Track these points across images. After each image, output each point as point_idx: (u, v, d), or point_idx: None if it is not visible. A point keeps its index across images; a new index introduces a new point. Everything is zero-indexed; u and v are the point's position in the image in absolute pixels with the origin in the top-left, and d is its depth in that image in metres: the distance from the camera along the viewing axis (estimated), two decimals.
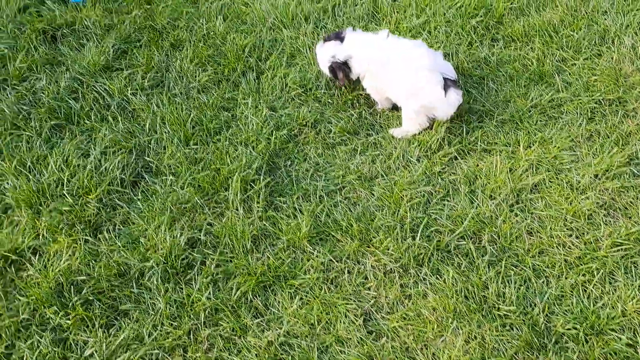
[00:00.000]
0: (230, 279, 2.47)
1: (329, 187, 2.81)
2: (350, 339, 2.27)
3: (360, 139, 3.03)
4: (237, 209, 2.69)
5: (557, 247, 2.49)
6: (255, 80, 3.34)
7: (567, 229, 2.54)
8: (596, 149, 2.83)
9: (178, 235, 2.58)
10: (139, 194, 2.82)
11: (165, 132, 3.05)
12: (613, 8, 3.61)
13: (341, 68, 3.04)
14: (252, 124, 3.06)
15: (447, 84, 2.85)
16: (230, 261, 2.53)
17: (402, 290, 2.42)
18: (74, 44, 3.65)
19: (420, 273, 2.46)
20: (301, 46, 3.53)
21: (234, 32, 3.65)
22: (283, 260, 2.52)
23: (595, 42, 3.41)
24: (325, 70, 3.13)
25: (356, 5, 3.85)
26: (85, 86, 3.33)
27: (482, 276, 2.40)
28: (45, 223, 2.65)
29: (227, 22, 3.73)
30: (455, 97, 2.85)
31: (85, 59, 3.47)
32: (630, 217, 2.56)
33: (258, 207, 2.70)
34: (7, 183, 2.83)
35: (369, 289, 2.44)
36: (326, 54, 3.06)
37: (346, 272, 2.49)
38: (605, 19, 3.52)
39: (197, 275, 2.49)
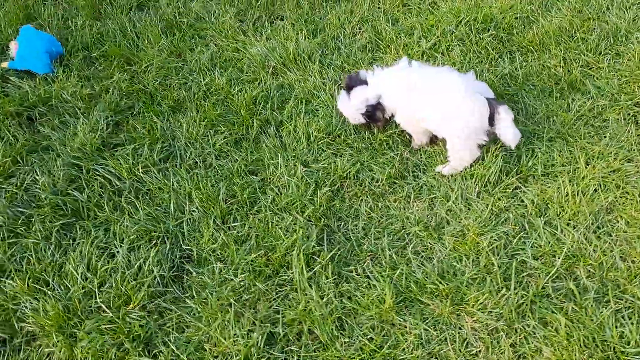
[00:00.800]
0: None
1: (395, 244, 2.54)
2: None
3: (410, 182, 2.78)
4: (305, 290, 2.36)
5: None
6: (276, 135, 3.02)
7: None
8: None
9: (250, 334, 2.23)
10: (186, 290, 2.44)
11: (195, 212, 2.68)
12: (614, 5, 3.55)
13: (378, 109, 2.82)
14: (290, 186, 2.74)
15: (491, 103, 2.64)
16: (317, 352, 2.21)
17: (515, 350, 2.18)
18: (56, 123, 3.20)
19: (528, 327, 2.22)
20: (313, 88, 3.24)
21: (236, 83, 3.32)
22: (375, 339, 2.22)
23: (610, 42, 3.33)
24: (358, 119, 2.89)
25: (355, 35, 3.61)
26: (85, 172, 2.90)
27: (595, 318, 2.20)
28: (86, 349, 2.23)
29: (225, 74, 3.38)
30: (507, 115, 2.64)
31: (75, 139, 3.03)
32: None
33: (328, 282, 2.38)
34: (25, 307, 2.38)
35: (477, 355, 2.18)
36: (356, 101, 2.83)
37: (447, 341, 2.22)
38: (610, 17, 3.45)
39: None
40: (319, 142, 2.97)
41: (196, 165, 2.91)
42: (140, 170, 2.87)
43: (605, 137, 2.83)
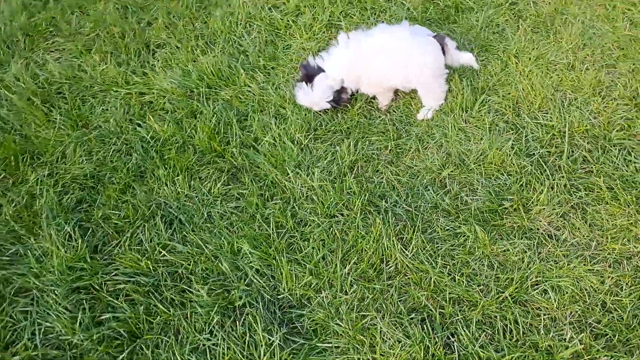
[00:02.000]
0: None
1: (439, 192, 2.65)
2: None
3: (409, 138, 2.89)
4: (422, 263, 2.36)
5: None
6: (262, 153, 2.82)
7: None
8: None
9: None
10: None
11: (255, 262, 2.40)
12: None
13: (342, 92, 2.89)
14: (326, 191, 2.62)
15: (437, 39, 2.85)
16: None
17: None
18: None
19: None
20: (257, 95, 3.07)
21: (179, 123, 2.94)
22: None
23: None
24: (323, 106, 2.89)
25: (250, 34, 3.47)
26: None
27: None
28: None
29: (157, 119, 2.96)
30: (452, 43, 2.90)
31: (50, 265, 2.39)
32: None
33: (435, 250, 2.41)
34: None
35: None
36: (321, 90, 2.82)
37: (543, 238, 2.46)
38: None
39: None
40: (308, 141, 2.86)
41: (210, 221, 2.56)
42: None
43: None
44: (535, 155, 2.74)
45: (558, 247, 2.41)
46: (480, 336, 2.13)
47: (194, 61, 3.27)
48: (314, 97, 2.84)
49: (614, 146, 2.73)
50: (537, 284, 2.29)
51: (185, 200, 2.59)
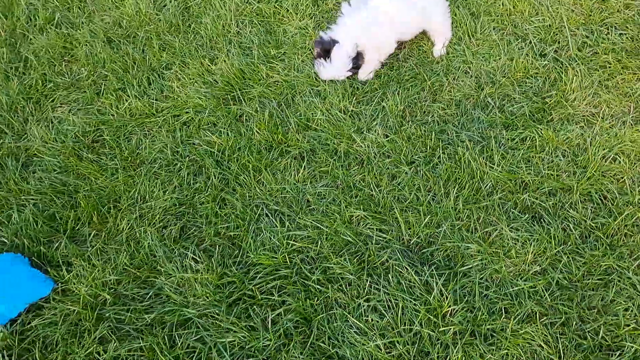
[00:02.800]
0: None
1: (492, 117, 2.95)
2: None
3: (436, 75, 3.14)
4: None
5: None
6: (317, 138, 2.98)
7: None
8: None
9: None
10: None
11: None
12: None
13: (359, 58, 2.98)
14: (394, 140, 2.84)
15: None
16: None
17: None
18: None
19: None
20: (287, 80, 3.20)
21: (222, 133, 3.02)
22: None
23: None
24: (346, 74, 3.03)
25: (247, 27, 3.54)
26: None
27: None
28: None
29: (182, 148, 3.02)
30: None
31: (195, 291, 2.46)
32: None
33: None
34: None
35: None
36: (340, 61, 2.93)
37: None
38: None
39: None
40: (354, 107, 3.04)
41: (311, 204, 2.71)
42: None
43: None
44: (548, 54, 3.09)
45: (603, 121, 2.78)
46: (587, 211, 2.48)
47: (208, 71, 3.31)
48: (335, 69, 2.97)
49: (605, 27, 3.13)
50: (605, 155, 2.65)
51: (279, 194, 2.71)
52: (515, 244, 2.43)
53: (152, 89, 3.28)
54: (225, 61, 3.31)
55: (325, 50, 2.94)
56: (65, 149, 3.02)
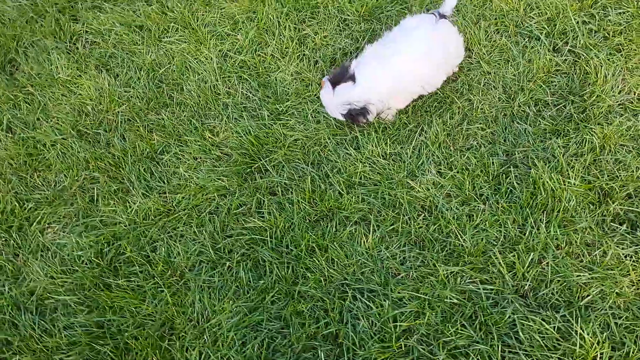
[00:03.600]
0: None
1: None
2: None
3: (463, 92, 2.95)
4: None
5: None
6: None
7: None
8: None
9: None
10: None
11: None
12: None
13: (362, 113, 2.67)
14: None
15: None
16: None
17: None
18: None
19: None
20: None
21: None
22: None
23: None
24: (336, 115, 2.75)
25: (237, 35, 3.15)
26: None
27: None
28: None
29: None
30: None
31: None
32: None
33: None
34: None
35: None
36: (339, 100, 2.64)
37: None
38: None
39: None
40: (393, 149, 2.77)
41: (392, 273, 2.41)
42: None
43: None
44: (562, 49, 2.98)
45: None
46: None
47: (213, 144, 2.89)
48: (331, 102, 2.68)
49: (602, 9, 3.08)
50: None
51: (357, 269, 2.39)
52: (625, 258, 2.27)
53: (157, 181, 2.81)
54: (229, 129, 2.91)
55: (335, 81, 2.64)
56: (83, 280, 2.49)
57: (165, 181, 2.79)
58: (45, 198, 2.84)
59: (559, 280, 2.26)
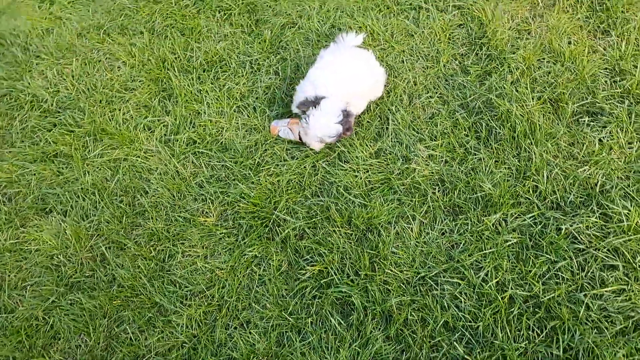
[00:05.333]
0: None
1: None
2: None
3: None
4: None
5: None
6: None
7: None
8: None
9: None
10: None
11: None
12: None
13: (350, 116, 2.73)
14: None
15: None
16: None
17: None
18: None
19: None
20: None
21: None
22: None
23: None
24: (330, 135, 2.69)
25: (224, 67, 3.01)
26: None
27: None
28: None
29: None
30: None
31: None
32: None
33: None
34: None
35: None
36: (328, 116, 2.66)
37: None
38: None
39: None
40: (377, 151, 2.90)
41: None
42: None
43: None
44: (447, 8, 3.36)
45: None
46: None
47: (215, 225, 2.75)
48: (326, 117, 2.64)
49: None
50: None
51: (420, 261, 2.49)
52: (604, 140, 2.68)
53: (184, 287, 2.59)
54: (219, 204, 2.79)
55: (309, 106, 2.68)
56: None
57: (193, 282, 2.59)
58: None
59: (571, 183, 2.58)
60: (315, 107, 2.66)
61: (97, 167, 3.04)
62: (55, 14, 4.01)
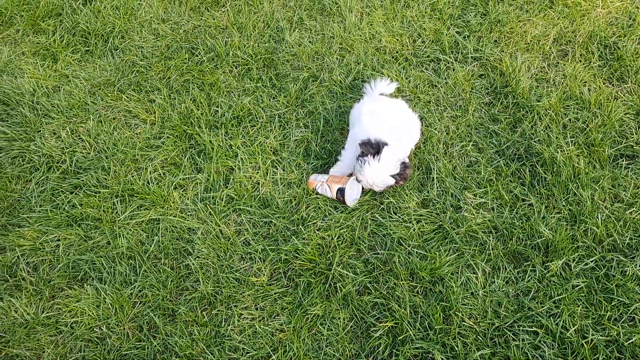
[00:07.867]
0: None
1: None
2: None
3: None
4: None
5: None
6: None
7: None
8: None
9: None
10: None
11: None
12: None
13: (407, 168, 2.76)
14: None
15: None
16: None
17: None
18: None
19: None
20: None
21: None
22: None
23: None
24: (389, 178, 2.69)
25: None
26: None
27: None
28: None
29: None
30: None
31: None
32: None
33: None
34: None
35: None
36: (388, 163, 2.64)
37: None
38: None
39: None
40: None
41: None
42: None
43: None
44: (465, 59, 3.43)
45: None
46: None
47: (267, 284, 2.57)
48: (384, 169, 2.63)
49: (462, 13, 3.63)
50: None
51: (491, 312, 2.39)
52: None
53: (248, 352, 2.37)
54: (269, 262, 2.62)
55: (372, 147, 2.62)
56: None
57: (256, 347, 2.38)
58: None
59: (622, 225, 2.59)
60: (374, 157, 2.59)
61: (130, 230, 2.81)
62: (61, 71, 3.79)
